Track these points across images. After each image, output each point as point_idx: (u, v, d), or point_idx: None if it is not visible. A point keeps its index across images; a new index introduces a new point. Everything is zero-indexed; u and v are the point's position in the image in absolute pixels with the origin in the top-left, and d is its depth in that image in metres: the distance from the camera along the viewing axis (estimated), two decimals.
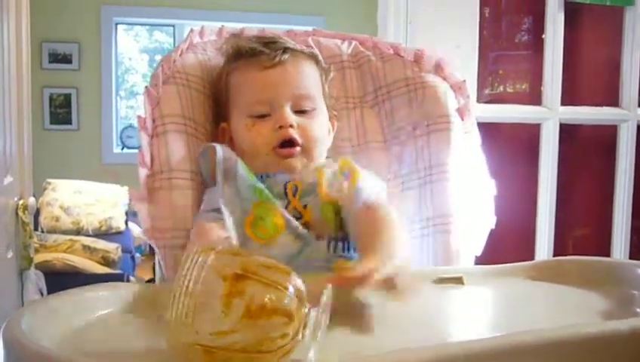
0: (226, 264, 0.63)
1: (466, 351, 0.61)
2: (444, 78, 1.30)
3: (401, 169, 1.28)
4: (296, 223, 1.06)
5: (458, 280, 1.01)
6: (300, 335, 0.63)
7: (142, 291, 0.89)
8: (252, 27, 1.32)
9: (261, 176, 1.11)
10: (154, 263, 3.94)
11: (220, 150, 1.10)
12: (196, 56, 1.24)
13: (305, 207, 1.09)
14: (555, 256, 1.94)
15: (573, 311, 0.91)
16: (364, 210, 1.06)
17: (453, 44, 1.74)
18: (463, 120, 1.27)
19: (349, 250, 1.09)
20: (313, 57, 1.20)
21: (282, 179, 1.11)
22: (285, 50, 1.14)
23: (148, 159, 1.11)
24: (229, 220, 1.04)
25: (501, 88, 2.15)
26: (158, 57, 6.29)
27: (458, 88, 1.29)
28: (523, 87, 2.20)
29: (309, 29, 1.40)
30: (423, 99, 1.27)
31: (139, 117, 1.13)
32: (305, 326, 0.63)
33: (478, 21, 1.79)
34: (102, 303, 0.83)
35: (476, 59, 1.78)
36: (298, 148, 1.12)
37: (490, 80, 2.09)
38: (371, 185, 1.13)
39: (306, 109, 1.14)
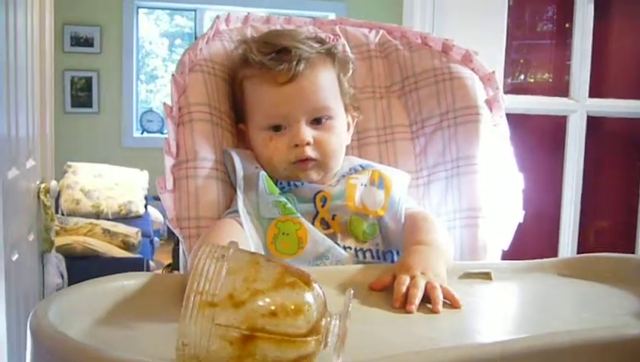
0: (231, 322, 0.57)
1: (502, 351, 0.60)
2: (473, 69, 1.28)
3: (428, 160, 1.26)
4: (320, 235, 1.06)
5: (486, 276, 1.00)
6: (323, 345, 0.61)
7: (166, 281, 0.89)
8: (278, 14, 1.31)
9: (288, 183, 1.11)
10: (173, 247, 3.96)
11: (239, 161, 1.11)
12: (222, 43, 1.23)
13: (333, 217, 1.09)
14: (579, 247, 1.92)
15: (604, 309, 0.89)
16: (408, 220, 1.10)
17: (480, 33, 1.71)
18: (491, 112, 1.25)
19: (378, 258, 1.09)
20: (330, 55, 1.17)
21: (311, 189, 1.11)
22: (299, 60, 1.09)
23: (174, 148, 1.10)
24: (249, 231, 1.04)
25: (522, 77, 2.13)
26: (179, 42, 6.31)
27: (487, 80, 1.26)
28: (545, 76, 2.18)
29: (332, 14, 1.38)
30: (451, 90, 1.25)
31: (165, 105, 1.12)
32: (327, 335, 0.61)
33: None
34: (127, 293, 0.83)
35: (503, 48, 1.76)
36: (313, 163, 1.11)
37: (512, 69, 2.06)
38: (404, 193, 1.15)
39: (322, 119, 1.12)
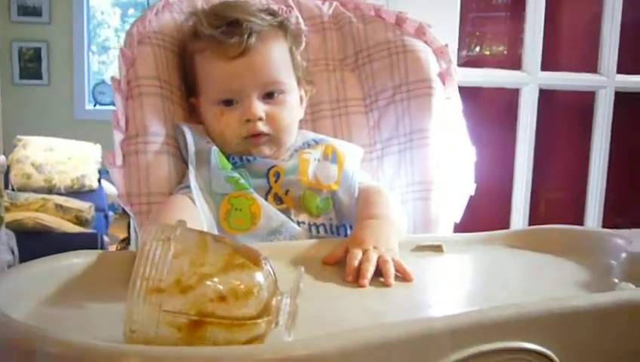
0: (179, 308, 0.56)
1: (450, 325, 0.61)
2: (426, 42, 1.28)
3: (381, 134, 1.26)
4: (273, 210, 1.05)
5: (437, 248, 1.01)
6: (274, 324, 0.60)
7: (117, 258, 0.87)
8: None
9: (240, 158, 1.10)
10: (128, 222, 3.91)
11: (190, 135, 1.09)
12: (172, 15, 1.20)
13: (287, 192, 1.09)
14: (530, 219, 1.96)
15: (552, 280, 0.91)
16: (362, 191, 1.10)
17: (434, 4, 1.71)
18: (444, 85, 1.25)
19: (332, 233, 1.09)
20: (282, 28, 1.15)
21: (264, 163, 1.10)
22: (250, 33, 1.08)
23: (123, 122, 1.08)
24: (201, 207, 1.03)
25: (477, 49, 2.14)
26: (132, 12, 6.18)
27: (440, 53, 1.27)
28: (500, 48, 2.19)
29: None
30: (404, 63, 1.25)
31: (113, 78, 1.10)
32: (278, 314, 0.60)
33: None
34: (75, 272, 0.82)
35: (457, 20, 1.76)
36: (266, 138, 1.10)
37: (468, 41, 2.07)
38: (357, 167, 1.16)
39: (274, 94, 1.11)
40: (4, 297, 0.68)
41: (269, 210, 1.05)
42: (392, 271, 0.85)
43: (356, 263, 0.86)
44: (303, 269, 0.64)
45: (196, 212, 1.01)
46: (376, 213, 1.03)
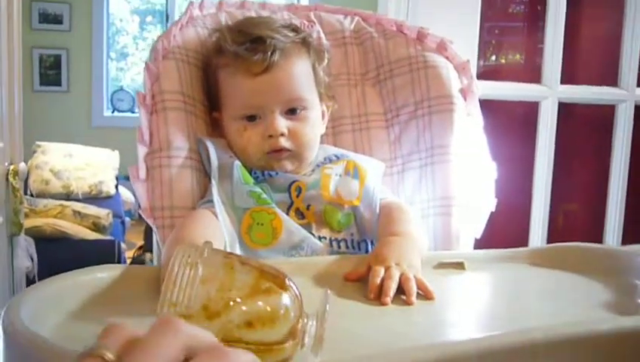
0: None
1: (477, 349, 0.61)
2: (448, 58, 1.28)
3: (402, 149, 1.27)
4: (295, 225, 1.06)
5: (459, 266, 1.01)
6: (300, 346, 0.60)
7: (141, 273, 0.88)
8: (252, 1, 1.30)
9: (262, 173, 1.10)
10: (144, 228, 3.93)
11: (213, 150, 1.10)
12: (196, 30, 1.21)
13: (308, 207, 1.09)
14: (549, 233, 1.95)
15: (575, 300, 0.90)
16: (384, 208, 1.11)
17: (454, 16, 1.71)
18: (465, 101, 1.26)
19: (353, 248, 1.09)
20: (305, 44, 1.16)
21: (286, 178, 1.10)
22: (274, 50, 1.08)
23: (147, 137, 1.09)
24: (223, 221, 1.03)
25: (493, 58, 2.13)
26: (150, 19, 6.23)
27: (462, 69, 1.27)
28: (517, 57, 2.19)
29: None
30: (425, 78, 1.25)
31: (138, 93, 1.11)
32: (304, 337, 0.60)
33: None
34: (100, 286, 0.83)
35: (477, 32, 1.76)
36: (287, 153, 1.11)
37: (485, 50, 2.07)
38: (378, 183, 1.16)
39: (296, 110, 1.12)
40: (29, 313, 0.69)
41: (290, 224, 1.05)
42: (414, 290, 0.85)
43: (378, 281, 0.86)
44: (329, 292, 0.64)
45: (218, 226, 1.02)
46: (399, 230, 1.03)
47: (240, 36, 1.10)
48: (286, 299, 0.59)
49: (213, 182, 1.07)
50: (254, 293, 0.58)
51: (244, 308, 0.57)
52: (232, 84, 1.11)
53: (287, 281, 0.61)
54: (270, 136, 1.09)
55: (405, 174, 1.26)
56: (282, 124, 1.10)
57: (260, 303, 0.58)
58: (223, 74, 1.13)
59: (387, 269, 0.89)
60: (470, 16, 1.74)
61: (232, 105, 1.12)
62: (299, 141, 1.11)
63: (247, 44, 1.09)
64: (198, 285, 0.57)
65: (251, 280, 0.59)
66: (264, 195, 1.06)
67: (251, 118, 1.11)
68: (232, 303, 0.57)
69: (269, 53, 1.08)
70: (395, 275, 0.87)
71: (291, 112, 1.11)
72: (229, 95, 1.12)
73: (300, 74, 1.13)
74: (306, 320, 0.60)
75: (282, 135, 1.10)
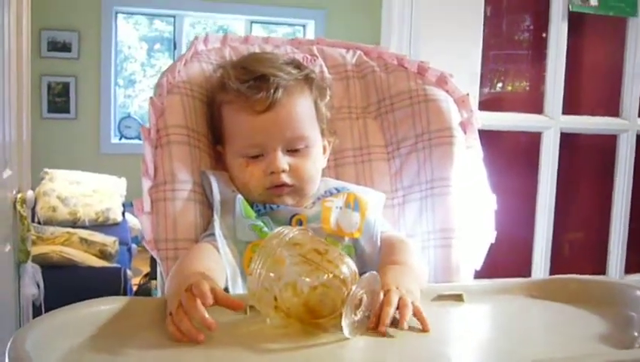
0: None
1: None
2: (448, 92, 1.30)
3: (403, 181, 1.28)
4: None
5: (458, 298, 1.02)
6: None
7: (144, 304, 0.90)
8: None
9: (264, 206, 1.12)
10: (151, 255, 3.94)
11: (216, 183, 1.12)
12: (200, 65, 1.24)
13: None
14: (552, 262, 1.96)
15: (573, 333, 0.91)
16: (385, 240, 1.11)
17: (457, 44, 1.73)
18: (465, 134, 1.27)
19: None
20: (307, 81, 1.18)
21: (287, 211, 1.12)
22: (277, 88, 1.11)
23: (152, 170, 1.11)
24: (225, 255, 1.04)
25: (499, 86, 2.15)
26: (158, 46, 6.29)
27: (462, 102, 1.29)
28: (522, 84, 2.20)
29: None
30: (426, 112, 1.27)
31: (143, 127, 1.13)
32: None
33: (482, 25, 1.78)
34: (105, 318, 0.84)
35: (479, 67, 1.78)
36: (289, 189, 1.13)
37: (490, 78, 2.08)
38: (379, 215, 1.17)
39: (298, 148, 1.14)
40: (35, 345, 0.71)
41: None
42: (408, 316, 0.86)
43: (376, 306, 0.87)
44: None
45: (220, 259, 1.03)
46: (399, 260, 1.05)
47: (243, 74, 1.13)
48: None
49: (215, 216, 1.09)
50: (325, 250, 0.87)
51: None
52: (236, 121, 1.14)
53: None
54: (272, 172, 1.11)
55: (406, 206, 1.27)
56: (284, 160, 1.12)
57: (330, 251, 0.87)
58: (226, 110, 1.15)
59: (386, 293, 0.89)
60: (472, 48, 1.77)
61: (234, 142, 1.15)
62: (300, 176, 1.13)
63: (251, 81, 1.11)
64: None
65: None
66: (265, 228, 1.08)
67: (254, 156, 1.13)
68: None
69: (272, 91, 1.10)
70: (394, 300, 0.87)
71: (293, 150, 1.14)
72: (232, 131, 1.15)
73: (302, 112, 1.15)
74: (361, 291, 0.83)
75: (284, 171, 1.12)
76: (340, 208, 1.14)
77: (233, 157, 1.15)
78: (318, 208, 1.13)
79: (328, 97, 1.23)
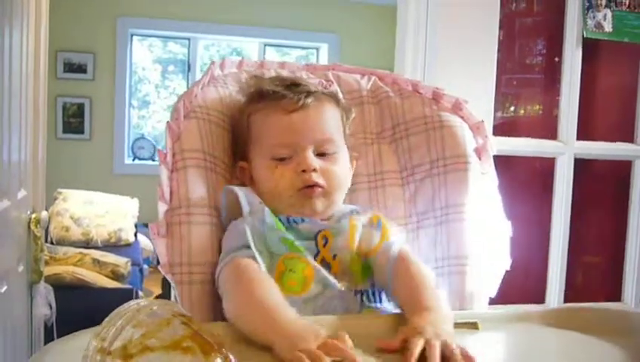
0: None
1: None
2: (463, 118, 1.30)
3: (417, 207, 1.28)
4: (325, 274, 1.05)
5: (473, 325, 1.01)
6: None
7: None
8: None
9: (287, 220, 1.11)
10: (163, 277, 3.95)
11: (243, 195, 1.11)
12: (217, 90, 1.25)
13: (334, 257, 1.09)
14: (566, 288, 1.94)
15: None
16: (399, 262, 1.07)
17: (472, 68, 1.74)
18: (480, 160, 1.27)
19: (376, 301, 1.09)
20: (335, 99, 1.21)
21: (312, 226, 1.11)
22: (309, 93, 1.14)
23: (167, 194, 1.11)
24: (262, 264, 1.03)
25: (512, 109, 2.15)
26: (172, 68, 6.35)
27: (477, 128, 1.29)
28: (534, 108, 2.20)
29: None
30: (441, 138, 1.28)
31: (159, 151, 1.14)
32: None
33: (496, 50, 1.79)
34: None
35: (493, 93, 1.78)
36: (320, 190, 1.12)
37: (502, 102, 2.08)
38: (401, 240, 1.15)
39: (328, 153, 1.15)
40: None
41: (321, 273, 1.05)
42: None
43: (417, 352, 0.84)
44: None
45: (264, 273, 1.02)
46: (428, 301, 0.99)
47: (277, 80, 1.18)
48: None
49: (247, 228, 1.07)
50: (172, 347, 0.62)
51: (156, 356, 0.61)
52: (266, 122, 1.15)
53: (215, 351, 0.63)
54: (303, 171, 1.11)
55: (420, 232, 1.27)
56: (315, 160, 1.13)
57: (174, 358, 0.62)
58: (255, 117, 1.17)
59: (427, 341, 0.85)
60: (486, 74, 1.77)
61: (264, 143, 1.15)
62: (331, 179, 1.13)
63: (284, 86, 1.15)
64: (129, 328, 0.62)
65: (177, 336, 0.63)
66: (297, 242, 1.07)
67: (283, 160, 1.13)
68: (146, 349, 0.61)
69: (304, 95, 1.14)
70: (437, 347, 0.84)
71: (322, 154, 1.14)
72: (262, 134, 1.16)
73: (332, 118, 1.18)
74: None
75: (315, 170, 1.12)
76: (364, 225, 1.13)
77: (261, 160, 1.15)
78: (345, 225, 1.12)
79: (351, 119, 1.25)
